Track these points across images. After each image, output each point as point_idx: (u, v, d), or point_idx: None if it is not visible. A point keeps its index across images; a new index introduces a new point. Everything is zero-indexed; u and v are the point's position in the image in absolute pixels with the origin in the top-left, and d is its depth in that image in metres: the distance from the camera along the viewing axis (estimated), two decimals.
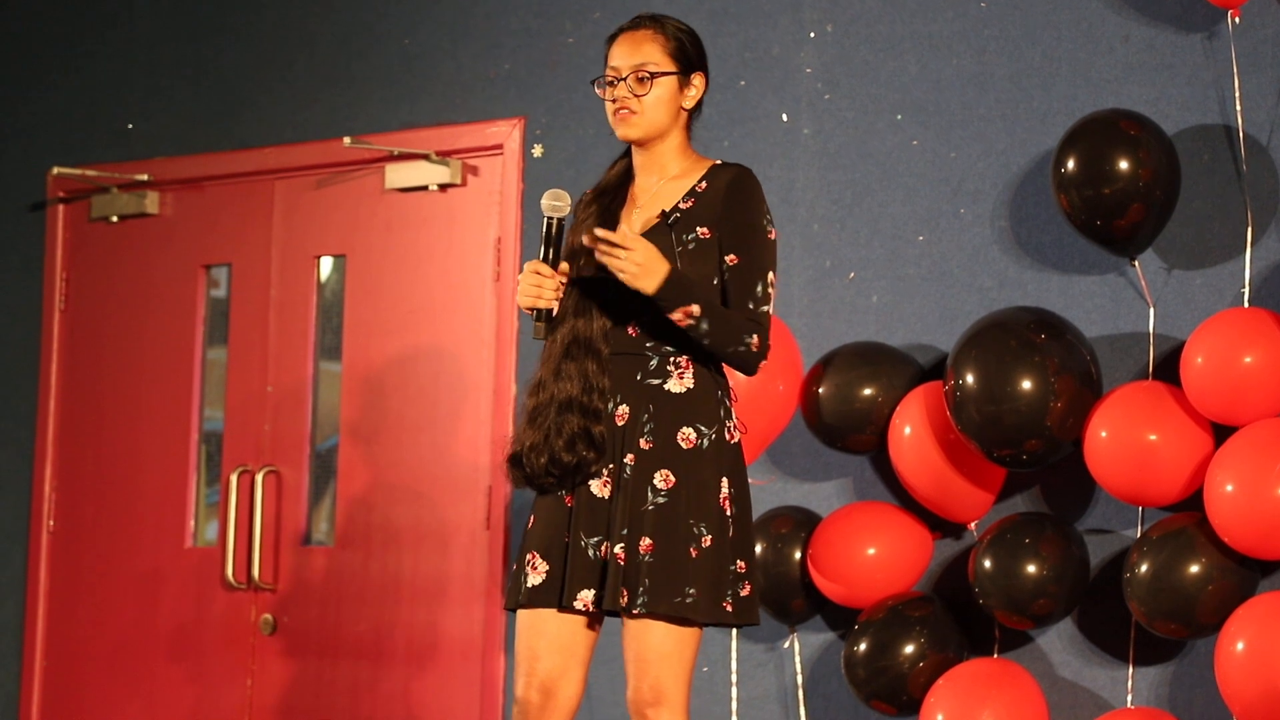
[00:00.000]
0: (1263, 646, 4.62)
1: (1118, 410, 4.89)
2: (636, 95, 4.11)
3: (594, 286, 4.11)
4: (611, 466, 4.09)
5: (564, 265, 4.11)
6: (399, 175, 6.24)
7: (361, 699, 6.20)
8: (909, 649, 5.11)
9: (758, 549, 5.34)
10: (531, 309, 4.09)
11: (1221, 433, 4.85)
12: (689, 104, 4.17)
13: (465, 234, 6.17)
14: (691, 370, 4.09)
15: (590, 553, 4.07)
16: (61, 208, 6.87)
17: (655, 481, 4.04)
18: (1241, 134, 5.00)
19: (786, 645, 5.50)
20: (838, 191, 5.56)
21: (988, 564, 5.00)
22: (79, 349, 6.81)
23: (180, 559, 6.55)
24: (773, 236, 4.12)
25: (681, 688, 4.03)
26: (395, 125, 6.27)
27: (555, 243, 4.08)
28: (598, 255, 3.99)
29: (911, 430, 5.14)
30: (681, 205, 4.11)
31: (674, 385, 4.09)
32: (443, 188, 6.18)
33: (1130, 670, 5.05)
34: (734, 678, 5.52)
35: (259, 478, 6.39)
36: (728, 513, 4.07)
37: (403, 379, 6.24)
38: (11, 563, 6.83)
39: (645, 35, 4.14)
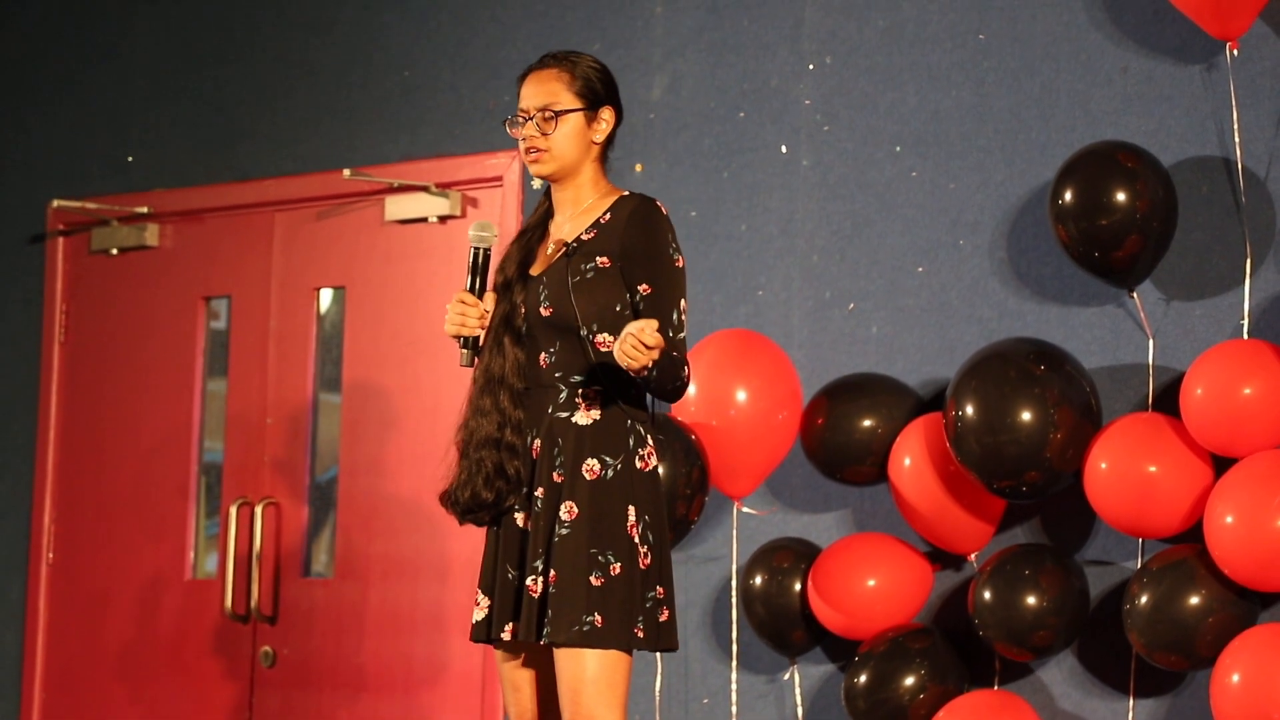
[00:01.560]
0: (1258, 678, 4.62)
1: (1117, 442, 4.89)
2: (544, 134, 4.19)
3: (506, 321, 4.20)
4: (534, 497, 4.17)
5: (490, 295, 4.21)
6: (398, 207, 6.25)
7: None
8: (909, 680, 5.10)
9: (758, 580, 5.34)
10: (457, 337, 4.19)
11: (1221, 464, 4.85)
12: (598, 138, 4.24)
13: (465, 265, 6.15)
14: (599, 402, 4.15)
15: (516, 585, 4.17)
16: (61, 240, 6.87)
17: (560, 514, 4.12)
18: (1240, 166, 5.00)
19: (787, 677, 5.49)
20: (837, 222, 5.57)
21: (988, 595, 5.00)
22: (79, 381, 6.81)
23: (180, 590, 6.55)
24: (680, 264, 4.19)
25: (615, 712, 4.09)
26: (395, 157, 6.28)
27: (481, 272, 4.20)
28: (619, 353, 3.99)
29: (911, 461, 5.13)
30: (584, 236, 4.19)
31: (580, 417, 4.16)
32: (442, 219, 6.19)
33: (1131, 702, 5.05)
34: (734, 710, 5.51)
35: (258, 509, 6.39)
36: (635, 540, 4.12)
37: (403, 410, 6.24)
38: (10, 593, 6.82)
39: (550, 74, 4.22)
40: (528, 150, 4.21)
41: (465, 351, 4.20)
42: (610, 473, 4.13)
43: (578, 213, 4.24)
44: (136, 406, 6.69)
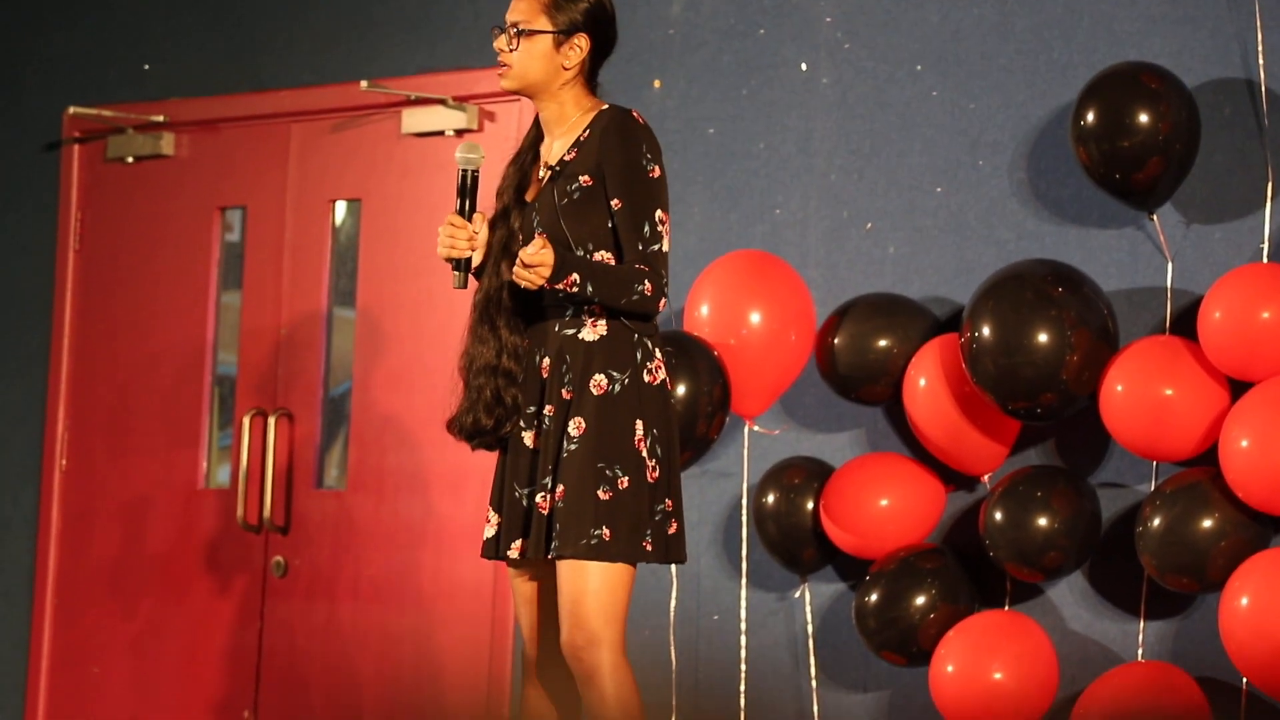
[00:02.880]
0: (1268, 601, 4.62)
1: (1134, 364, 4.88)
2: (510, 49, 4.21)
3: (505, 247, 4.22)
4: (539, 417, 4.18)
5: (479, 216, 4.21)
6: (415, 120, 6.22)
7: (372, 642, 6.21)
8: (920, 600, 5.11)
9: (770, 498, 5.34)
10: (449, 259, 4.20)
11: (1238, 388, 4.84)
12: (568, 64, 4.24)
13: (481, 179, 6.14)
14: (604, 317, 4.17)
15: (524, 502, 4.18)
16: (77, 148, 6.85)
17: (569, 429, 4.14)
18: (1263, 88, 4.97)
19: (797, 595, 5.50)
20: (856, 142, 5.55)
21: (999, 516, 5.00)
22: (93, 289, 6.80)
23: (192, 500, 6.56)
24: (655, 175, 4.19)
25: (614, 626, 4.10)
26: (412, 69, 6.26)
27: (470, 194, 4.20)
28: (515, 275, 4.09)
29: (926, 382, 5.13)
30: (566, 157, 4.20)
31: (587, 334, 4.18)
32: (459, 133, 6.17)
33: (1141, 624, 5.05)
34: (743, 626, 5.52)
35: (271, 421, 6.39)
36: (643, 454, 4.13)
37: (416, 324, 6.23)
38: (23, 500, 6.84)
39: None
40: (498, 64, 4.25)
41: (457, 274, 4.21)
42: (618, 387, 4.15)
43: (562, 132, 4.25)
44: (150, 316, 6.68)
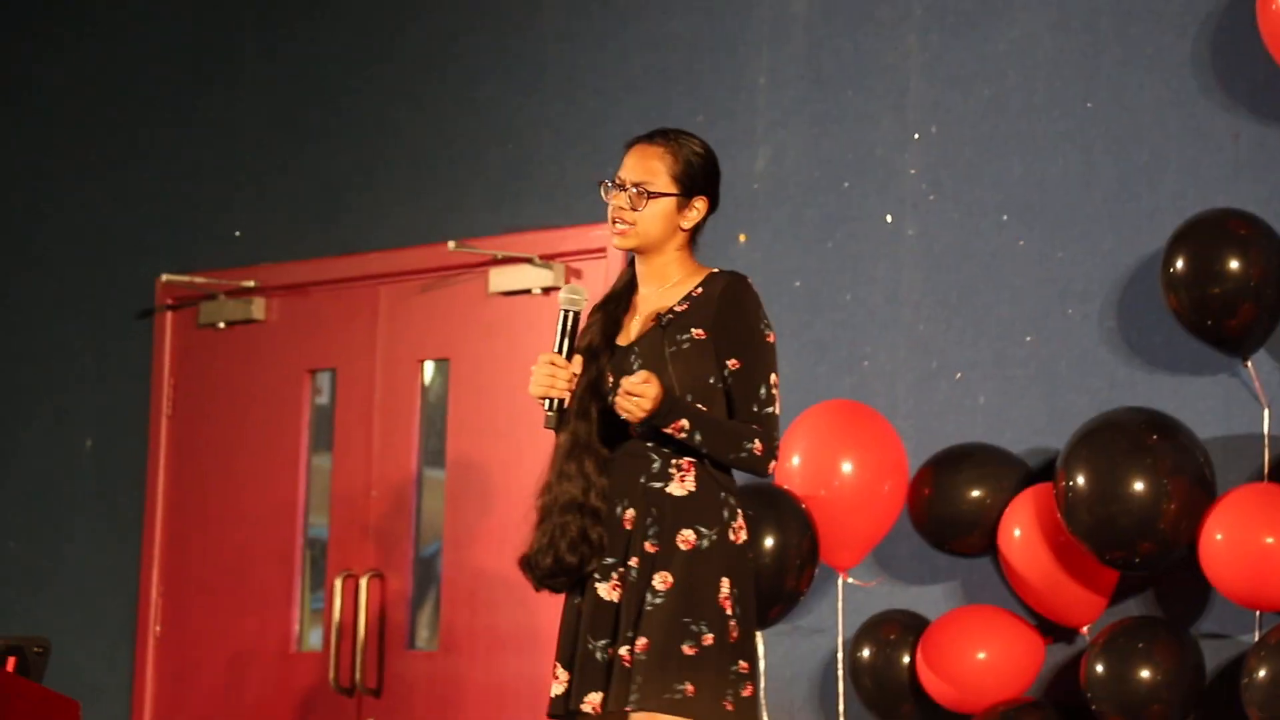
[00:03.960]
0: None
1: (1233, 512, 4.82)
2: (633, 208, 4.22)
3: (594, 388, 4.20)
4: (621, 570, 4.15)
5: (578, 358, 4.20)
6: (502, 279, 6.26)
7: None
8: None
9: (866, 653, 5.29)
10: (544, 399, 4.18)
11: None
12: (686, 225, 4.26)
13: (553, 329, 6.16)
14: (693, 473, 4.16)
15: (598, 655, 4.13)
16: (170, 314, 6.93)
17: (654, 583, 4.11)
18: None
19: None
20: (943, 292, 5.54)
21: (1100, 669, 4.93)
22: (185, 454, 6.85)
23: (285, 663, 6.56)
24: (771, 339, 4.21)
25: None
26: (499, 229, 6.31)
27: (572, 334, 4.21)
28: (617, 404, 4.10)
29: (1021, 532, 5.08)
30: (676, 308, 4.21)
31: (675, 488, 4.16)
32: (546, 291, 6.20)
33: None
34: None
35: (363, 582, 6.39)
36: (728, 612, 4.11)
37: (506, 482, 6.24)
38: (119, 665, 6.85)
39: (655, 151, 4.24)
40: (614, 219, 4.24)
41: (551, 414, 4.20)
42: (706, 543, 4.13)
43: (666, 287, 4.26)
44: (242, 480, 6.72)
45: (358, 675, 6.34)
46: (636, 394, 4.06)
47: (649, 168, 4.22)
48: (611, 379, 4.20)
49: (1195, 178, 5.19)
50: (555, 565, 4.17)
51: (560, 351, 4.20)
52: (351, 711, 6.40)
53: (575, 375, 4.20)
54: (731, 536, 4.16)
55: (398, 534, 6.42)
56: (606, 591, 4.16)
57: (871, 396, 5.56)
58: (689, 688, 4.04)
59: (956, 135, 5.55)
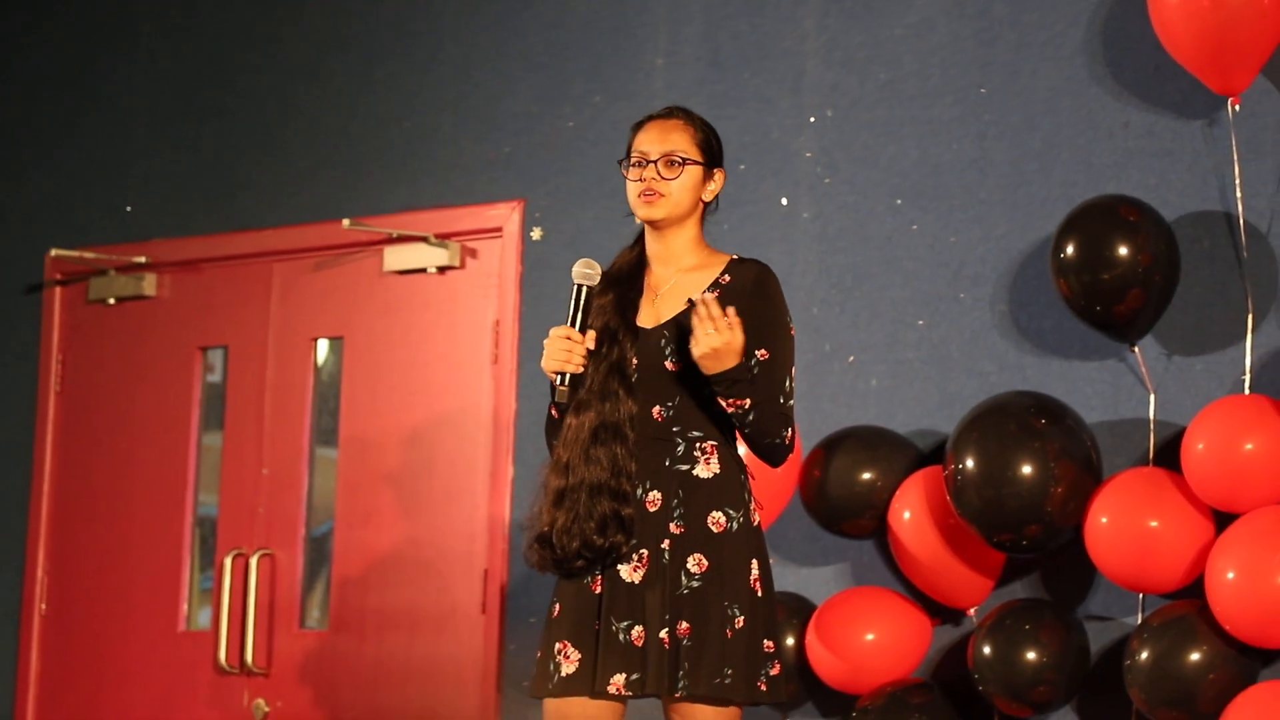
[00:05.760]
0: None
1: (1118, 496, 4.87)
2: (665, 179, 4.20)
3: (618, 370, 4.18)
4: (643, 552, 4.14)
5: (591, 333, 4.17)
6: (397, 257, 6.24)
7: None
8: None
9: None
10: (557, 373, 4.14)
11: (1223, 520, 4.83)
12: (708, 197, 4.28)
13: (463, 317, 6.16)
14: (717, 455, 4.18)
15: (621, 637, 4.12)
16: (59, 289, 6.86)
17: (689, 565, 4.12)
18: (1242, 221, 5.00)
19: None
20: (837, 275, 5.56)
21: (987, 650, 4.96)
22: (74, 431, 6.78)
23: (173, 643, 6.51)
24: (793, 333, 4.24)
25: None
26: (394, 207, 6.28)
27: (585, 310, 4.16)
28: (695, 315, 4.05)
29: (911, 514, 5.11)
30: (705, 295, 4.16)
31: (701, 470, 4.17)
32: (441, 270, 6.18)
33: None
34: None
35: (253, 561, 6.35)
36: (758, 594, 4.14)
37: (399, 462, 6.21)
38: (3, 644, 6.78)
39: (676, 124, 4.25)
40: (644, 192, 4.20)
41: (564, 389, 4.14)
42: (735, 525, 4.15)
43: (684, 269, 4.24)
44: (131, 457, 6.66)
45: (248, 655, 6.30)
46: (729, 325, 4.01)
47: (674, 139, 4.23)
48: (635, 361, 4.17)
49: (1086, 164, 5.24)
50: (583, 546, 4.13)
51: (573, 325, 4.15)
52: (241, 691, 6.36)
53: (588, 350, 4.16)
54: (753, 519, 4.19)
55: (289, 513, 6.38)
56: (628, 573, 4.14)
57: None
58: (730, 672, 4.07)
59: (852, 119, 5.57)
